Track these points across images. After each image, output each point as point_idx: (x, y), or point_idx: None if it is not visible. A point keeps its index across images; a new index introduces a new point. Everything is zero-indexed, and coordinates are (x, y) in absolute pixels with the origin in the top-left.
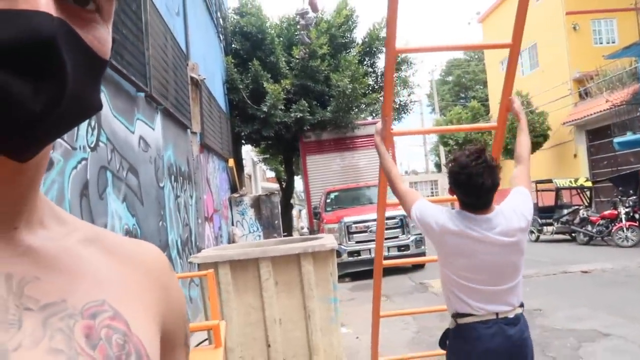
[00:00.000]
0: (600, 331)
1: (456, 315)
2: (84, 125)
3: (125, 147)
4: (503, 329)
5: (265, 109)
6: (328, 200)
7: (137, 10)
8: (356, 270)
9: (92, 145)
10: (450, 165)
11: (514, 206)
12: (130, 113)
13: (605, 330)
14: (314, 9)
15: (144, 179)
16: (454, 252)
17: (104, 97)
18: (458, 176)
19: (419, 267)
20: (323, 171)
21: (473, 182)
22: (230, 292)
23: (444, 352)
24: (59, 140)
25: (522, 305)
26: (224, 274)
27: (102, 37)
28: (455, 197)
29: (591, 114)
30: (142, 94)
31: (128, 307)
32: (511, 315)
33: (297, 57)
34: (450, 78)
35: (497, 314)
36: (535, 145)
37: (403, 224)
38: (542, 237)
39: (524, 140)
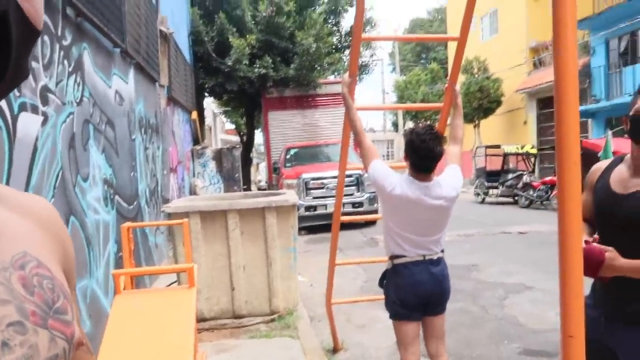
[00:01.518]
0: (525, 284)
1: (393, 257)
2: (71, 82)
3: (104, 101)
4: (428, 268)
5: (229, 62)
6: (288, 157)
7: None
8: (312, 225)
9: (77, 101)
10: (409, 134)
11: (448, 179)
12: (108, 68)
13: (530, 284)
14: None
15: (119, 132)
16: (396, 209)
17: (87, 54)
18: (415, 143)
19: (370, 223)
20: (284, 127)
21: (426, 147)
22: (199, 239)
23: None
24: (51, 96)
25: (442, 251)
26: (195, 224)
27: (37, 4)
28: (407, 163)
29: (543, 83)
30: (118, 50)
31: (43, 255)
32: (435, 257)
33: (263, 13)
34: None
35: (424, 256)
36: (489, 111)
37: (358, 182)
38: (487, 199)
39: (459, 123)
